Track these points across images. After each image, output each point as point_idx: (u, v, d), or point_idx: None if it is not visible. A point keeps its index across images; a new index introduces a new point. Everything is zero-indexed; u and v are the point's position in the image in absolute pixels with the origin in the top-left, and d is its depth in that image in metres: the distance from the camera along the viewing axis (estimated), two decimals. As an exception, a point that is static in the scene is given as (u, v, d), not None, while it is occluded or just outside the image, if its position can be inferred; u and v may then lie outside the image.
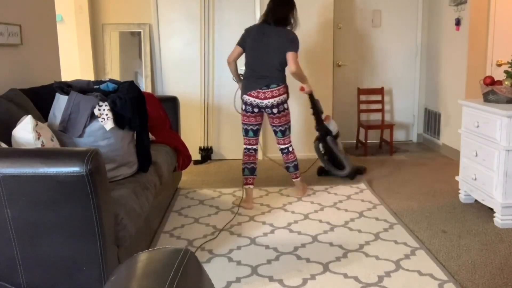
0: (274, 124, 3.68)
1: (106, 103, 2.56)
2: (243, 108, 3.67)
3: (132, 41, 5.14)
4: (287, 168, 3.85)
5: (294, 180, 3.87)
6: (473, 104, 3.44)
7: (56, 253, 1.96)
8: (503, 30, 4.57)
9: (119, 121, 2.60)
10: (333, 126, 4.29)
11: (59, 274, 1.99)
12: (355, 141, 5.79)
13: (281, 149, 3.78)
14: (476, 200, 3.58)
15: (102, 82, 2.81)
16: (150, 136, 3.49)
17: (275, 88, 3.54)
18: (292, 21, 3.66)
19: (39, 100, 2.96)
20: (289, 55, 3.53)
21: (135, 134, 2.85)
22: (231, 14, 5.06)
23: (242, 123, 3.73)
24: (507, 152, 3.10)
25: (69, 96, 2.54)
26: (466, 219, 3.35)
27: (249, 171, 3.73)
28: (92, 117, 2.53)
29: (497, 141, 3.16)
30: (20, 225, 1.92)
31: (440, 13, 5.35)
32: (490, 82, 3.35)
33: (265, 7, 3.72)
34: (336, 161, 4.36)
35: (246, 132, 3.73)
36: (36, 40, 3.48)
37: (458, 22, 4.84)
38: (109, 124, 2.54)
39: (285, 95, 3.60)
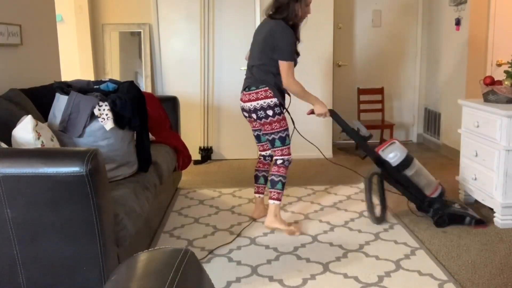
0: (262, 132, 3.18)
1: (106, 103, 2.56)
2: None
3: (132, 41, 5.14)
4: (266, 178, 3.38)
5: (269, 201, 3.19)
6: (473, 104, 3.44)
7: (56, 253, 1.96)
8: (503, 30, 4.56)
9: (119, 121, 2.60)
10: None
11: (59, 274, 1.99)
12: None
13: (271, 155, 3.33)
14: (476, 200, 3.58)
15: (102, 82, 2.81)
16: (150, 136, 3.49)
17: (253, 91, 3.04)
18: (288, 12, 2.98)
19: (39, 100, 2.96)
20: (280, 64, 2.98)
21: (135, 134, 2.85)
22: (231, 14, 5.06)
23: None
24: (507, 152, 3.10)
25: (69, 96, 2.54)
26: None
27: (257, 179, 3.41)
28: (92, 117, 2.53)
29: (497, 141, 3.16)
30: (20, 225, 1.92)
31: (440, 13, 5.35)
32: (490, 82, 3.35)
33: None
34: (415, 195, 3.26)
35: (254, 137, 3.37)
36: (36, 40, 3.48)
37: (458, 22, 4.84)
38: (109, 124, 2.54)
39: (265, 100, 3.01)
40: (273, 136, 3.10)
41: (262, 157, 3.39)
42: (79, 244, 1.95)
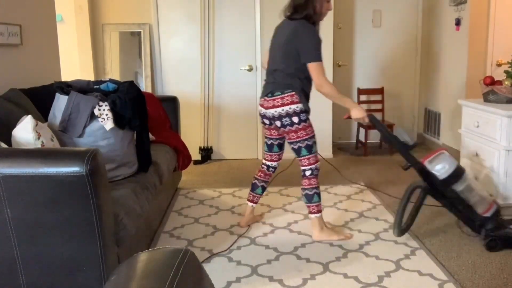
0: (286, 140, 3.00)
1: (106, 103, 2.56)
2: None
3: (132, 41, 5.14)
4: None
5: (309, 215, 3.04)
6: (473, 104, 3.44)
7: (56, 253, 1.96)
8: (503, 30, 4.56)
9: (119, 121, 2.60)
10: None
11: (59, 274, 1.99)
12: (355, 141, 5.79)
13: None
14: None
15: (102, 82, 2.81)
16: (150, 136, 3.49)
17: (278, 96, 2.85)
18: (308, 11, 2.80)
19: (39, 100, 2.96)
20: (309, 67, 2.80)
21: (135, 134, 2.85)
22: (231, 14, 5.06)
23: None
24: (507, 152, 3.10)
25: (69, 96, 2.54)
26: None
27: (255, 187, 3.24)
28: (92, 117, 2.53)
29: (497, 141, 3.16)
30: (20, 225, 1.92)
31: (440, 13, 5.35)
32: (490, 82, 3.35)
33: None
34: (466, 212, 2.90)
35: (265, 144, 3.20)
36: (36, 40, 3.48)
37: (458, 22, 4.84)
38: (109, 124, 2.54)
39: (291, 106, 2.83)
40: (298, 144, 2.90)
41: (265, 167, 3.22)
42: (79, 244, 1.95)
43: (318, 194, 2.98)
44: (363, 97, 5.66)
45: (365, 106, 5.70)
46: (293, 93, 2.84)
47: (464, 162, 3.61)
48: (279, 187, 4.15)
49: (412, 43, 5.82)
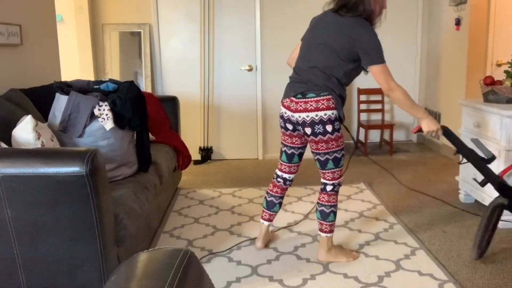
0: (311, 149, 2.61)
1: (106, 103, 2.56)
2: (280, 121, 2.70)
3: (132, 41, 5.14)
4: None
5: (319, 232, 2.73)
6: (473, 104, 3.44)
7: (56, 253, 1.96)
8: (503, 30, 4.56)
9: (119, 121, 2.61)
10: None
11: (59, 274, 1.99)
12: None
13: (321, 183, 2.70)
14: (476, 200, 3.58)
15: (102, 82, 2.81)
16: (150, 136, 3.49)
17: (312, 99, 2.44)
18: (363, 6, 2.42)
19: (39, 100, 2.96)
20: (373, 71, 2.43)
21: (135, 134, 2.85)
22: (231, 14, 5.06)
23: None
24: (507, 152, 3.10)
25: (69, 96, 2.54)
26: (466, 219, 3.35)
27: (272, 205, 2.85)
28: (92, 117, 2.53)
29: (497, 141, 3.16)
30: (20, 225, 1.92)
31: (440, 13, 5.35)
32: (490, 82, 3.35)
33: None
34: None
35: (280, 152, 2.80)
36: (36, 40, 3.48)
37: (458, 22, 4.84)
38: (109, 124, 2.54)
39: (327, 112, 2.44)
40: (326, 156, 2.54)
41: (282, 181, 2.81)
42: (79, 244, 1.95)
43: (335, 213, 2.66)
44: (363, 97, 5.66)
45: (365, 106, 5.71)
46: (330, 96, 2.44)
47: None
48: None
49: (412, 43, 5.82)
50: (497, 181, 2.62)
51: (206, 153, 5.18)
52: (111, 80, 2.84)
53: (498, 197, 2.64)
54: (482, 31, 4.61)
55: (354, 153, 5.41)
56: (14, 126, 2.35)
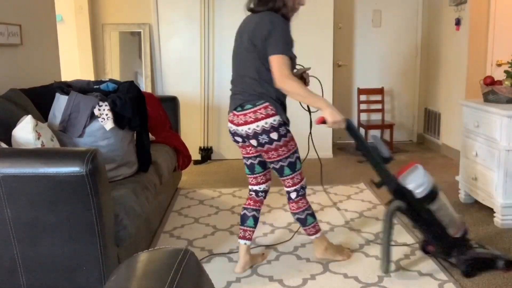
0: (264, 159, 2.54)
1: (106, 103, 2.56)
2: None
3: (132, 41, 5.14)
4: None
5: (309, 237, 2.69)
6: (473, 104, 3.44)
7: (56, 253, 1.96)
8: (503, 30, 4.56)
9: (119, 121, 2.61)
10: (417, 177, 2.50)
11: (59, 274, 1.99)
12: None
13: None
14: (476, 200, 3.58)
15: (102, 82, 2.82)
16: (150, 136, 3.49)
17: (250, 110, 2.35)
18: (277, 3, 2.34)
19: (39, 100, 2.96)
20: (271, 61, 2.29)
21: (135, 134, 2.85)
22: (231, 14, 5.06)
23: None
24: (507, 152, 3.10)
25: (69, 96, 2.55)
26: (466, 219, 3.35)
27: (245, 219, 2.67)
28: (92, 117, 2.53)
29: (497, 141, 3.16)
30: (20, 225, 1.92)
31: (440, 13, 5.35)
32: (490, 82, 3.35)
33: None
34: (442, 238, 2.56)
35: (244, 166, 2.67)
36: (36, 40, 3.48)
37: (458, 22, 4.84)
38: (109, 124, 2.54)
39: (267, 120, 2.34)
40: (280, 163, 2.44)
41: (253, 193, 2.68)
42: (79, 244, 1.95)
43: (312, 214, 2.59)
44: (363, 97, 5.66)
45: (365, 106, 5.71)
46: (267, 103, 2.34)
47: (464, 162, 3.62)
48: (279, 187, 4.15)
49: (412, 43, 5.82)
50: (394, 183, 2.50)
51: (206, 153, 5.18)
52: (111, 80, 2.84)
53: (394, 200, 2.49)
54: (482, 31, 4.61)
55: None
56: (14, 126, 2.35)
